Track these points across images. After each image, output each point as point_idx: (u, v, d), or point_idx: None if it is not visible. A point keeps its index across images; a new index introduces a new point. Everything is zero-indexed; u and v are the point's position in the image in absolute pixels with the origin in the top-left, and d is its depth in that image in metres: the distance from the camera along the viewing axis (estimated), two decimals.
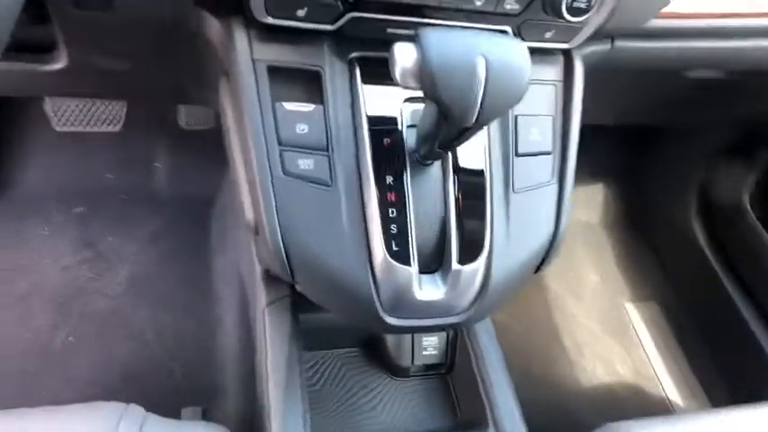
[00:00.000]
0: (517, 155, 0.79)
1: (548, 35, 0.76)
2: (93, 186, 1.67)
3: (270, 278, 0.98)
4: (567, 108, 0.82)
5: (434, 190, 0.74)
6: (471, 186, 0.75)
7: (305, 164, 0.69)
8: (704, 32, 0.90)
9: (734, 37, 0.93)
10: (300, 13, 0.66)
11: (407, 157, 0.73)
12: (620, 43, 0.88)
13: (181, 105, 1.69)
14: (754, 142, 1.64)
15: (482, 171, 0.76)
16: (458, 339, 1.03)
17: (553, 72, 0.82)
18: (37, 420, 0.77)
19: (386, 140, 0.73)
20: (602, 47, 0.87)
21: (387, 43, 0.61)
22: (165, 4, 0.70)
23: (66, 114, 1.67)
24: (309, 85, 0.71)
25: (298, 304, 0.97)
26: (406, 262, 0.71)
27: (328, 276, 0.71)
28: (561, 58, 0.83)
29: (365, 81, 0.73)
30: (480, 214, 0.75)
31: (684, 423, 0.91)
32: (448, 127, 0.63)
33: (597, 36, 0.80)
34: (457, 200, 0.74)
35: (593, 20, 0.75)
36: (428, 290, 0.73)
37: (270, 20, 0.66)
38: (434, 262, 0.74)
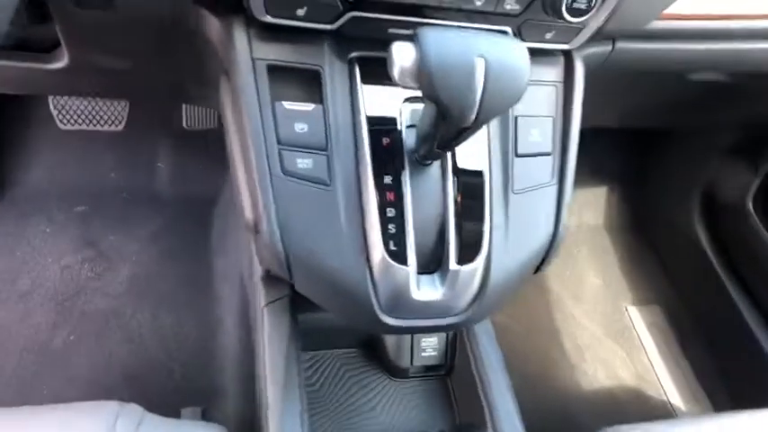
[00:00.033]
0: (517, 155, 0.78)
1: (548, 36, 0.76)
2: (95, 185, 1.67)
3: (270, 278, 0.98)
4: (568, 109, 0.82)
5: (433, 190, 0.74)
6: (470, 187, 0.75)
7: (304, 163, 0.69)
8: (706, 34, 0.90)
9: (736, 39, 0.92)
10: (300, 12, 0.66)
11: (406, 157, 0.73)
12: (621, 45, 0.88)
13: (183, 105, 1.69)
14: (757, 145, 1.63)
15: (481, 171, 0.76)
16: (457, 341, 1.02)
17: (554, 73, 0.82)
18: (34, 419, 0.77)
19: (385, 140, 0.73)
20: (603, 48, 0.87)
21: (387, 43, 0.61)
22: (165, 2, 0.70)
23: (70, 113, 1.68)
24: (309, 84, 0.71)
25: (297, 304, 0.97)
26: (404, 262, 0.71)
27: (326, 275, 0.71)
28: (562, 59, 0.83)
29: (365, 81, 0.73)
30: (479, 215, 0.75)
31: (685, 427, 0.90)
32: (446, 127, 0.63)
33: (598, 37, 0.80)
34: (456, 200, 0.74)
35: (594, 21, 0.74)
36: (426, 290, 0.73)
37: (269, 19, 0.66)
38: (433, 262, 0.74)
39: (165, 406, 1.25)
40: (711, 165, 1.75)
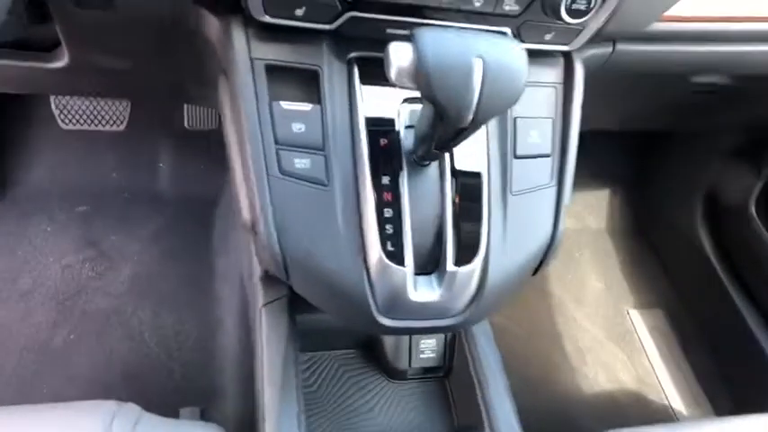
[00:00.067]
0: (516, 157, 0.78)
1: (548, 37, 0.76)
2: (96, 185, 1.68)
3: (269, 278, 0.98)
4: (567, 111, 0.81)
5: (431, 191, 0.74)
6: (468, 188, 0.75)
7: (301, 163, 0.69)
8: (706, 36, 0.90)
9: (736, 41, 0.92)
10: (298, 12, 0.66)
11: (404, 158, 0.73)
12: (621, 46, 0.87)
13: (185, 106, 1.70)
14: (760, 148, 1.63)
15: (480, 173, 0.76)
16: (456, 342, 1.02)
17: (553, 74, 0.82)
18: (32, 417, 0.78)
19: (383, 141, 0.72)
20: (603, 50, 0.87)
21: (386, 43, 0.61)
22: (165, 2, 0.70)
23: (72, 113, 1.68)
24: (307, 84, 0.71)
25: (295, 305, 0.97)
26: (401, 262, 0.71)
27: (323, 276, 0.71)
28: (562, 61, 0.82)
29: (363, 81, 0.73)
30: (477, 216, 0.75)
31: (686, 431, 0.90)
32: (444, 128, 0.62)
33: (598, 39, 0.80)
34: (454, 201, 0.74)
35: (593, 22, 0.74)
36: (423, 291, 0.73)
37: (268, 19, 0.66)
38: (430, 263, 0.74)
39: (165, 406, 1.26)
40: (714, 168, 1.74)
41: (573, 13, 0.69)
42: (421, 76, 0.57)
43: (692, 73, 1.06)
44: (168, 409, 1.18)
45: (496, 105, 0.60)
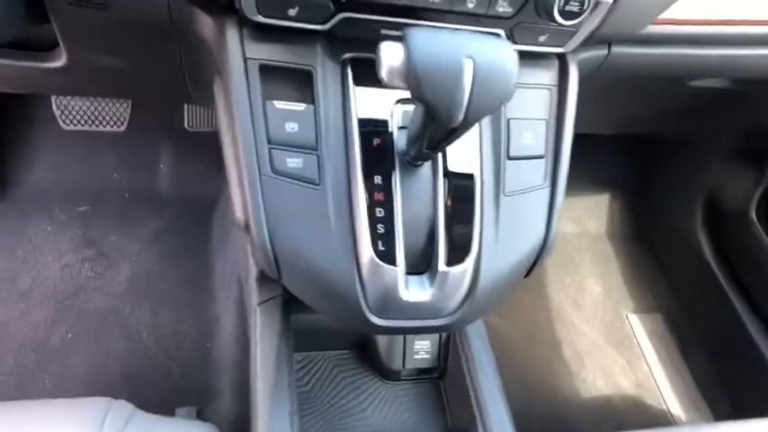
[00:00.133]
0: (509, 158, 0.78)
1: (541, 39, 0.76)
2: (97, 185, 1.69)
3: (264, 278, 0.98)
4: (562, 112, 0.81)
5: (424, 191, 0.74)
6: (461, 188, 0.75)
7: (294, 162, 0.70)
8: (702, 39, 0.90)
9: (732, 44, 0.92)
10: (291, 12, 0.67)
11: (397, 158, 0.73)
12: (616, 49, 0.87)
13: (185, 107, 1.71)
14: (761, 153, 1.62)
15: (472, 173, 0.76)
16: (450, 344, 1.02)
17: (548, 76, 0.82)
18: (25, 413, 0.78)
19: (376, 141, 0.73)
20: (598, 52, 0.87)
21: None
22: (160, 2, 0.70)
23: (73, 114, 1.69)
24: (301, 84, 0.71)
25: (290, 305, 0.97)
26: (393, 262, 0.71)
27: (315, 275, 0.71)
28: (556, 63, 0.82)
29: (357, 82, 0.73)
30: (469, 216, 0.75)
31: None
32: (435, 127, 0.63)
33: (592, 41, 0.80)
34: (446, 201, 0.74)
35: (587, 24, 0.74)
36: (415, 291, 0.73)
37: (261, 19, 0.67)
38: (422, 263, 0.74)
39: (162, 405, 1.26)
40: (714, 172, 1.74)
41: (566, 14, 0.69)
42: (411, 76, 0.57)
43: (689, 76, 1.06)
44: (165, 409, 1.18)
45: (487, 105, 0.60)
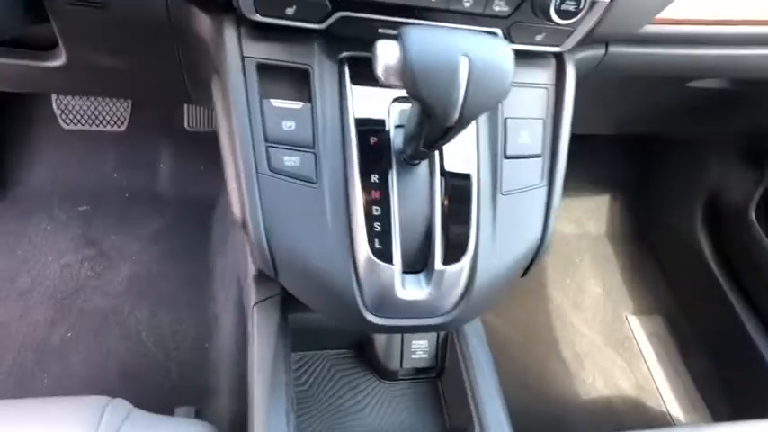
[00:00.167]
0: (506, 157, 0.78)
1: (538, 38, 0.76)
2: (97, 185, 1.69)
3: (262, 277, 0.98)
4: (559, 112, 0.81)
5: (420, 190, 0.74)
6: (458, 187, 0.75)
7: (291, 161, 0.70)
8: (699, 39, 0.89)
9: (730, 44, 0.92)
10: (289, 11, 0.67)
11: (394, 157, 0.73)
12: (614, 49, 0.87)
13: (185, 107, 1.71)
14: (761, 154, 1.62)
15: (469, 172, 0.76)
16: (448, 343, 1.02)
17: (545, 76, 0.82)
18: (22, 411, 0.78)
19: (373, 140, 0.73)
20: (595, 52, 0.87)
21: None
22: (158, 0, 0.71)
23: (73, 113, 1.70)
24: (298, 83, 0.71)
25: (288, 304, 0.97)
26: (389, 260, 0.71)
27: (312, 273, 0.72)
28: (553, 62, 0.82)
29: (354, 81, 0.73)
30: (466, 215, 0.75)
31: None
32: (431, 126, 0.63)
33: (590, 40, 0.80)
34: (443, 200, 0.74)
35: (584, 23, 0.74)
36: (411, 289, 0.73)
37: (258, 17, 0.67)
38: (419, 262, 0.74)
39: (161, 405, 1.26)
40: (714, 173, 1.74)
41: (562, 14, 0.69)
42: (407, 74, 0.57)
43: (687, 77, 1.06)
44: (164, 408, 1.18)
45: (482, 103, 0.60)
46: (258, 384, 0.87)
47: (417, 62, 0.56)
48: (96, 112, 1.71)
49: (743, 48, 0.94)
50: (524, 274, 0.83)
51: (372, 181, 0.72)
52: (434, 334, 1.03)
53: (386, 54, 0.58)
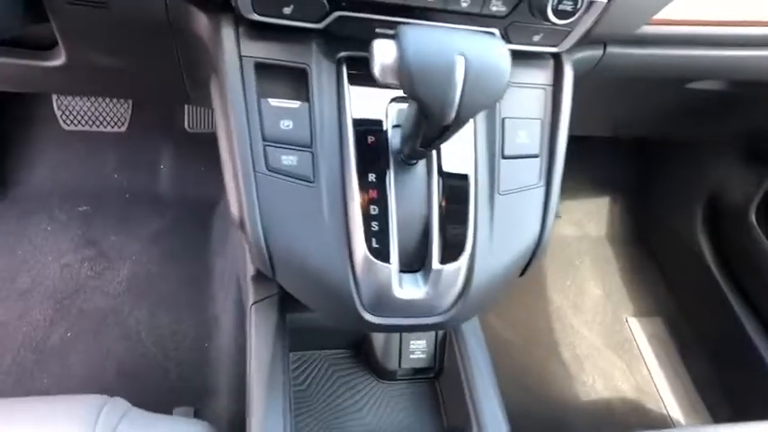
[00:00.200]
0: (504, 157, 0.78)
1: (536, 38, 0.76)
2: (97, 186, 1.70)
3: (260, 277, 0.99)
4: (556, 112, 0.82)
5: (418, 189, 0.74)
6: (455, 187, 0.75)
7: (288, 160, 0.70)
8: (698, 40, 0.89)
9: (729, 45, 0.92)
10: (286, 10, 0.67)
11: (391, 157, 0.73)
12: (612, 49, 0.87)
13: (186, 108, 1.72)
14: (761, 156, 1.62)
15: (467, 172, 0.76)
16: (446, 343, 1.02)
17: (542, 76, 0.82)
18: (20, 410, 0.78)
19: (370, 139, 0.73)
20: (593, 52, 0.87)
21: None
22: (157, 0, 0.71)
23: (74, 114, 1.71)
24: (296, 82, 0.72)
25: (286, 304, 0.97)
26: (387, 260, 0.71)
27: (309, 272, 0.72)
28: (551, 63, 0.83)
29: (352, 80, 0.74)
30: (463, 215, 0.75)
31: None
32: (428, 125, 0.63)
33: (588, 41, 0.80)
34: (440, 200, 0.74)
35: (581, 24, 0.74)
36: (409, 289, 0.73)
37: (256, 17, 0.67)
38: (416, 261, 0.74)
39: (160, 405, 1.26)
40: (714, 176, 1.74)
41: (560, 14, 0.70)
42: (403, 74, 0.57)
43: (685, 78, 1.06)
44: (163, 408, 1.18)
45: (479, 103, 0.60)
46: (256, 385, 0.87)
47: (414, 61, 0.57)
48: (97, 113, 1.72)
49: (741, 49, 0.93)
50: (522, 273, 0.82)
51: (370, 180, 0.72)
52: (433, 334, 1.03)
53: (383, 53, 0.59)
